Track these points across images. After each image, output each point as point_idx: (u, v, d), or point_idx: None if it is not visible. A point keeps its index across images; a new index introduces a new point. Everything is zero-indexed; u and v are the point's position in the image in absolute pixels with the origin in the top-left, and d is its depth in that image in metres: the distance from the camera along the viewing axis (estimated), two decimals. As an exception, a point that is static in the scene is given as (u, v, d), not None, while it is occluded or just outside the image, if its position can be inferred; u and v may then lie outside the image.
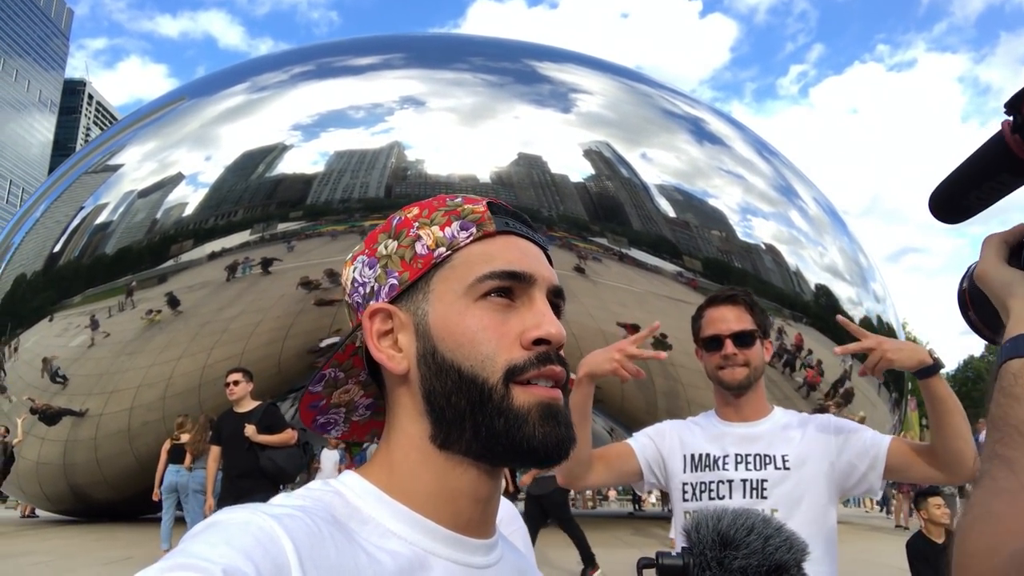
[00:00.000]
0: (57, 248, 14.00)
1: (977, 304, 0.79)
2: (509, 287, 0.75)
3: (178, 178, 13.59)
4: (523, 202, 13.13)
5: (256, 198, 13.24)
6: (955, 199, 0.72)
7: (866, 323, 14.71)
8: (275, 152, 13.38)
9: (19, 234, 15.18)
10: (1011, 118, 0.63)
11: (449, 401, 0.72)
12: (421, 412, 0.74)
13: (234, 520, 0.58)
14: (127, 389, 12.66)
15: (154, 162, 13.98)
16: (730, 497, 1.98)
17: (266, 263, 12.63)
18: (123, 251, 13.56)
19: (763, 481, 1.99)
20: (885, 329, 14.71)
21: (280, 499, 0.68)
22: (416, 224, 0.78)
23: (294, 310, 12.56)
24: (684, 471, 2.07)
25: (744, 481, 2.00)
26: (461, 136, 13.72)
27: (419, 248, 0.76)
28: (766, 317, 2.15)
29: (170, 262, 13.10)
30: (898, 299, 18.21)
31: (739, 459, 2.04)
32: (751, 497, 1.97)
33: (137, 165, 14.12)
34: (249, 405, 6.16)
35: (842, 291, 15.27)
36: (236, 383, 6.16)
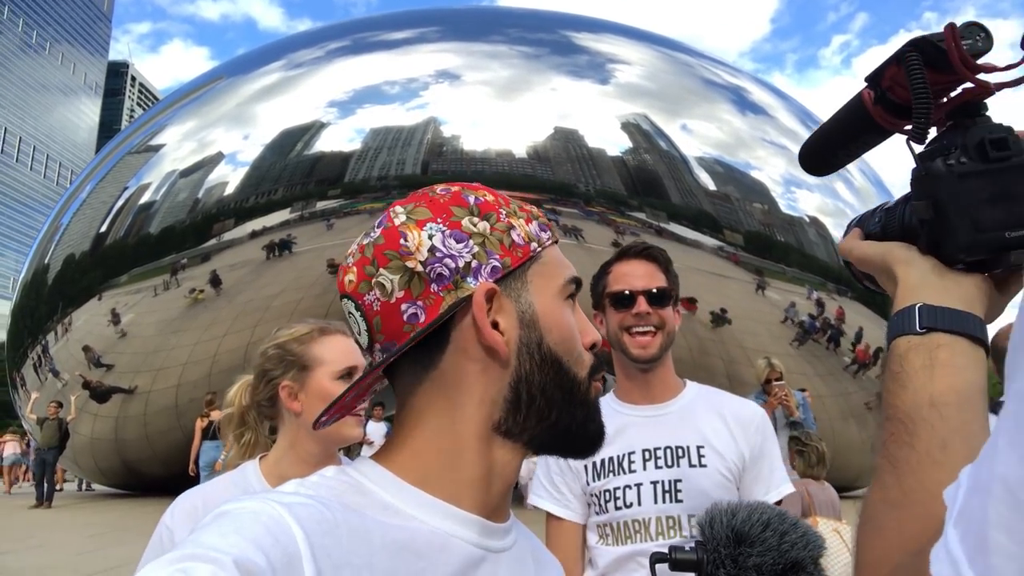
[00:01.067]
0: (103, 228, 14.30)
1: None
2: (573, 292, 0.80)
3: (218, 157, 13.76)
4: (560, 177, 13.02)
5: (295, 176, 13.34)
6: (823, 156, 0.77)
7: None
8: (312, 130, 13.44)
9: (67, 215, 15.55)
10: (871, 90, 0.69)
11: (543, 391, 0.73)
12: (496, 399, 0.72)
13: (245, 509, 0.58)
14: (174, 367, 12.95)
15: (194, 141, 14.16)
16: (639, 504, 1.71)
17: (304, 242, 12.74)
18: (166, 231, 13.82)
19: (676, 481, 1.72)
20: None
21: (292, 486, 0.67)
22: (503, 212, 0.76)
23: (334, 288, 12.63)
24: (589, 481, 1.78)
25: (655, 484, 1.72)
26: (497, 110, 13.60)
27: (516, 237, 0.76)
28: (678, 283, 1.86)
29: (212, 241, 13.32)
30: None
31: (647, 455, 1.75)
32: (664, 501, 1.71)
33: (177, 145, 14.33)
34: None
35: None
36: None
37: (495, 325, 0.72)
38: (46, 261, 15.00)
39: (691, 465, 1.72)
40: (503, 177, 13.13)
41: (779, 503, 1.78)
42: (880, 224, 0.76)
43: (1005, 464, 0.39)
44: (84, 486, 18.05)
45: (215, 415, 9.42)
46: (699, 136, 13.90)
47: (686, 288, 10.84)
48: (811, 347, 13.13)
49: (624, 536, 1.70)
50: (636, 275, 1.80)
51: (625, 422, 1.79)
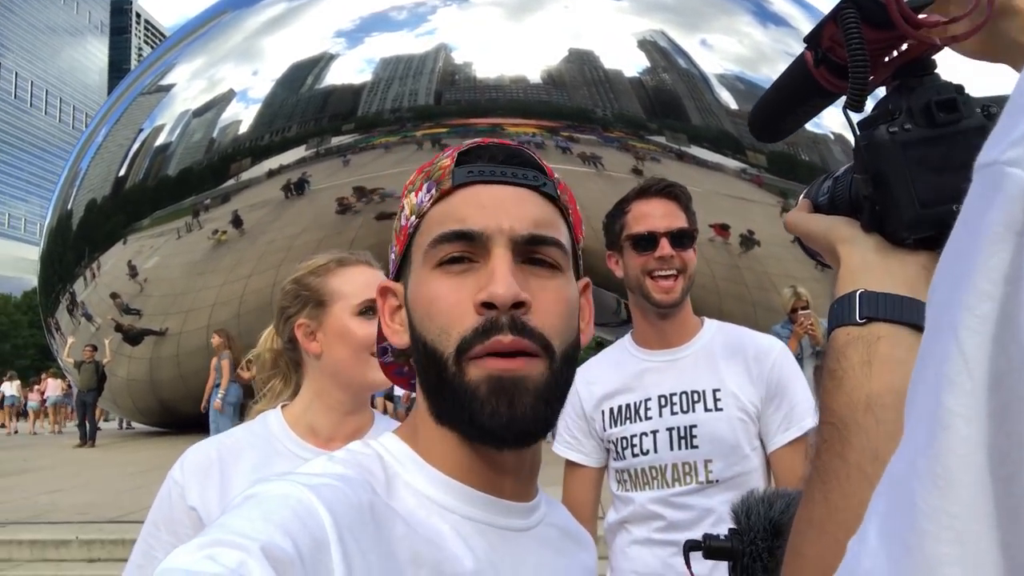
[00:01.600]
0: (122, 172, 14.33)
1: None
2: (464, 250, 0.68)
3: (229, 95, 13.62)
4: (576, 102, 12.74)
5: (307, 112, 13.20)
6: (770, 123, 0.73)
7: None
8: (321, 62, 13.22)
9: (85, 159, 15.56)
10: (812, 51, 0.63)
11: (425, 376, 0.69)
12: (421, 385, 0.72)
13: (273, 493, 0.58)
14: (203, 308, 13.14)
15: (204, 80, 14.00)
16: (655, 451, 1.70)
17: (321, 179, 12.68)
18: (185, 172, 13.82)
19: (691, 427, 1.70)
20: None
21: (321, 464, 0.66)
22: (406, 192, 0.75)
23: (355, 224, 12.67)
24: (606, 428, 1.78)
25: (671, 430, 1.70)
26: (508, 32, 13.23)
27: (402, 219, 0.75)
28: (696, 222, 1.79)
29: (231, 181, 13.31)
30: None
31: (663, 401, 1.72)
32: (680, 448, 1.69)
33: (188, 84, 14.18)
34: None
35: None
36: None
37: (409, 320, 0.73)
38: (69, 207, 15.10)
39: (707, 410, 1.70)
40: (518, 105, 12.88)
41: (801, 438, 1.74)
42: (828, 195, 0.68)
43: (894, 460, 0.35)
44: (124, 425, 18.65)
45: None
46: (719, 51, 13.45)
47: (710, 214, 10.75)
48: (816, 274, 12.99)
49: (642, 482, 1.72)
50: (657, 215, 1.71)
51: (642, 367, 1.77)
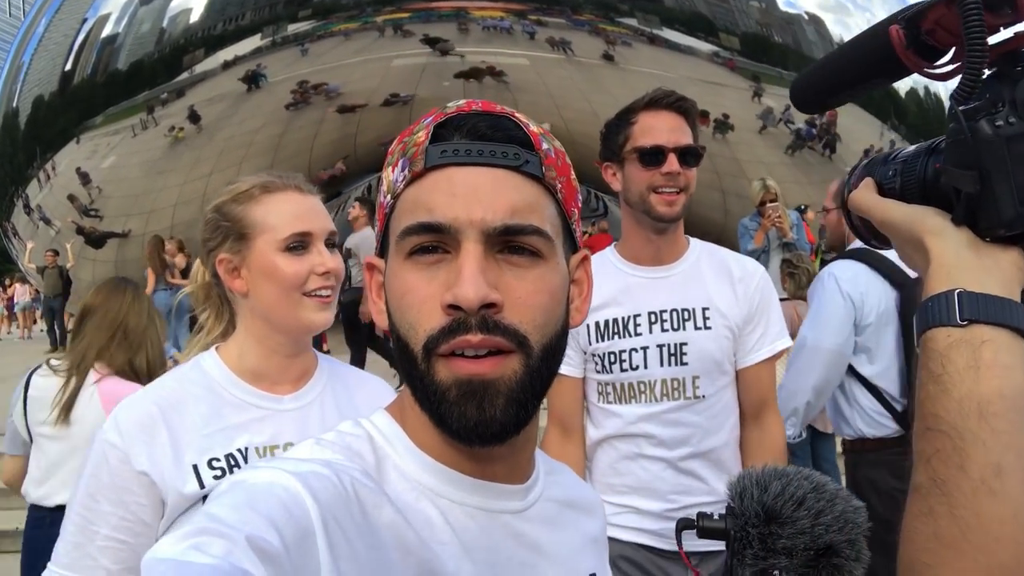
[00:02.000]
0: (68, 66, 13.59)
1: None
2: (434, 241, 0.64)
3: (176, -21, 12.81)
4: (545, -17, 12.18)
5: (261, -2, 12.49)
6: (825, 97, 0.70)
7: (913, 97, 13.94)
8: (275, -56, 12.40)
9: (27, 52, 14.72)
10: (905, 31, 0.60)
11: (401, 364, 0.67)
12: (400, 370, 0.71)
13: (260, 480, 0.57)
14: (165, 208, 12.82)
15: (148, -36, 13.11)
16: (645, 367, 1.71)
17: (279, 70, 12.16)
18: (135, 65, 13.14)
19: (682, 344, 1.71)
20: (933, 103, 13.91)
21: (308, 448, 0.66)
22: (386, 163, 0.71)
23: (315, 118, 12.27)
24: (592, 341, 1.75)
25: (661, 347, 1.71)
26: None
27: (380, 196, 0.71)
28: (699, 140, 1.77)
29: (185, 75, 12.71)
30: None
31: (653, 318, 1.72)
32: (670, 364, 1.71)
33: (131, -31, 13.27)
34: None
35: (889, 60, 14.33)
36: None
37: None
38: (15, 104, 14.38)
39: (696, 328, 1.71)
40: (484, -13, 12.29)
41: (776, 356, 1.82)
42: (898, 179, 0.65)
43: None
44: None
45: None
46: (692, -72, 12.86)
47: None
48: (806, 154, 12.95)
49: (628, 396, 1.73)
50: (667, 129, 1.67)
51: (630, 283, 1.75)
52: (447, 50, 11.89)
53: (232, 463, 1.20)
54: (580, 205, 0.74)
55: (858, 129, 13.28)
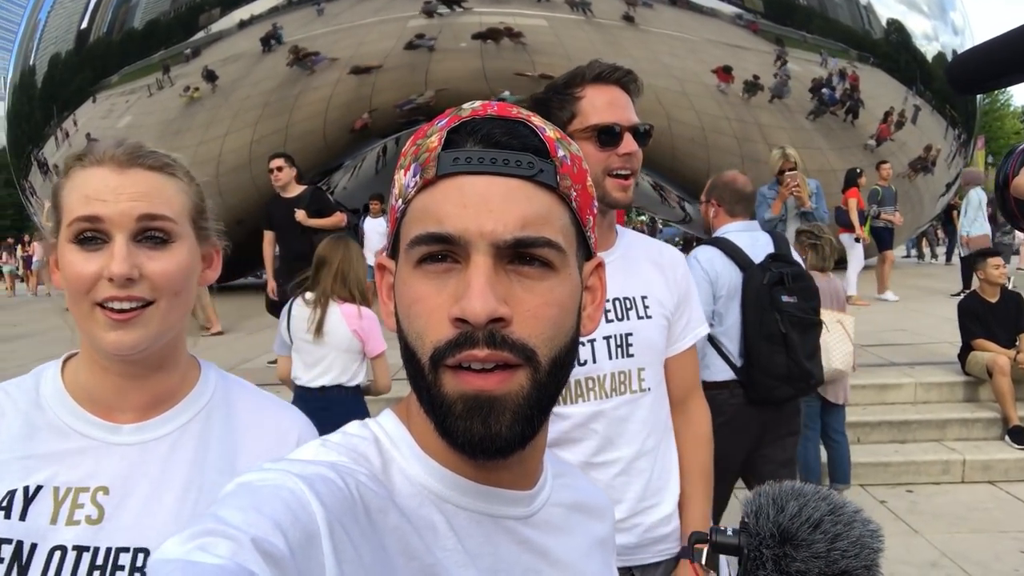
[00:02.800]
0: (84, 24, 13.53)
1: None
2: (444, 251, 0.63)
3: (192, -63, 12.64)
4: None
5: (277, -45, 12.31)
6: (987, 81, 0.67)
7: (941, 62, 13.61)
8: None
9: (43, 10, 14.66)
10: None
11: (408, 370, 0.66)
12: (407, 375, 0.69)
13: (266, 482, 0.57)
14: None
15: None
16: (593, 361, 1.60)
17: (294, 30, 12.03)
18: (151, 24, 13.06)
19: (628, 335, 1.62)
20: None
21: (313, 450, 0.66)
22: (399, 164, 0.69)
23: (331, 79, 12.17)
24: None
25: (607, 338, 1.61)
26: None
27: (392, 198, 0.70)
28: None
29: (200, 34, 12.62)
30: (980, 28, 16.58)
31: None
32: (618, 356, 1.61)
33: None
34: (296, 190, 6.17)
35: (916, 25, 13.96)
36: (280, 169, 6.12)
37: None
38: (31, 62, 14.36)
39: (639, 317, 1.64)
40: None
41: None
42: None
43: None
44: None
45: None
46: None
47: (701, 63, 10.37)
48: (828, 120, 12.73)
49: (575, 395, 1.61)
50: (619, 106, 1.55)
51: None
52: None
53: (5, 505, 0.91)
54: (596, 212, 0.73)
55: (882, 94, 13.02)
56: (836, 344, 4.41)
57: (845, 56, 12.71)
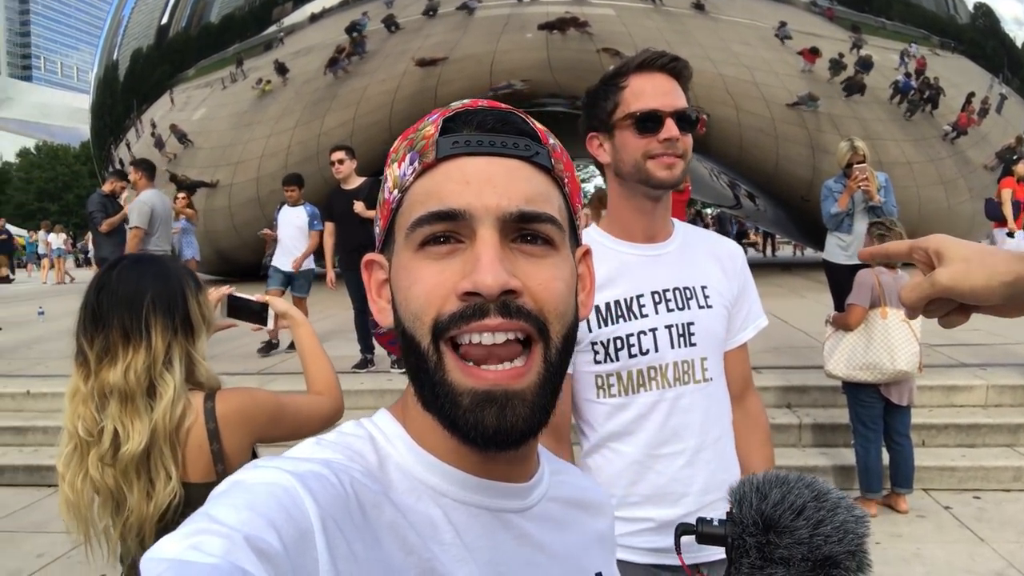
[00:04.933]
0: (164, 20, 14.05)
1: None
2: (448, 230, 0.63)
3: (268, -67, 12.96)
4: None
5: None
6: None
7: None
8: None
9: (127, 7, 15.28)
10: None
11: (407, 361, 0.65)
12: (405, 368, 0.68)
13: (259, 481, 0.57)
14: (251, 159, 13.20)
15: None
16: (656, 350, 1.57)
17: (355, 27, 12.21)
18: (227, 19, 13.48)
19: (690, 324, 1.60)
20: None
21: (308, 448, 0.65)
22: (389, 161, 0.70)
23: (397, 72, 12.31)
24: (591, 328, 1.58)
25: (669, 328, 1.58)
26: None
27: (385, 192, 0.70)
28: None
29: (273, 28, 12.95)
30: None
31: (657, 298, 1.59)
32: (680, 346, 1.58)
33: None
34: (355, 182, 6.30)
35: (1006, 8, 13.29)
36: (340, 161, 6.27)
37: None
38: (115, 57, 15.00)
39: (700, 306, 1.62)
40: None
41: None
42: None
43: None
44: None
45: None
46: None
47: (774, 52, 10.03)
48: (904, 110, 12.22)
49: (637, 384, 1.59)
50: (660, 92, 1.53)
51: (626, 261, 1.62)
52: None
53: None
54: (582, 202, 0.74)
55: (964, 82, 12.43)
56: (902, 344, 4.25)
57: (926, 43, 12.19)
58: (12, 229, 25.64)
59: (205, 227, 14.02)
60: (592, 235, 1.67)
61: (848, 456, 4.83)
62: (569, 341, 0.65)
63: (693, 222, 20.76)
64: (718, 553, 1.62)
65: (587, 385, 1.62)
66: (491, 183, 0.63)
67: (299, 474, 0.57)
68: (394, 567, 0.59)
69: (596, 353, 1.59)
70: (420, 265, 0.63)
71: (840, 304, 4.59)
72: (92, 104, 16.08)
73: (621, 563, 1.41)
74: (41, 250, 23.52)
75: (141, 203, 6.99)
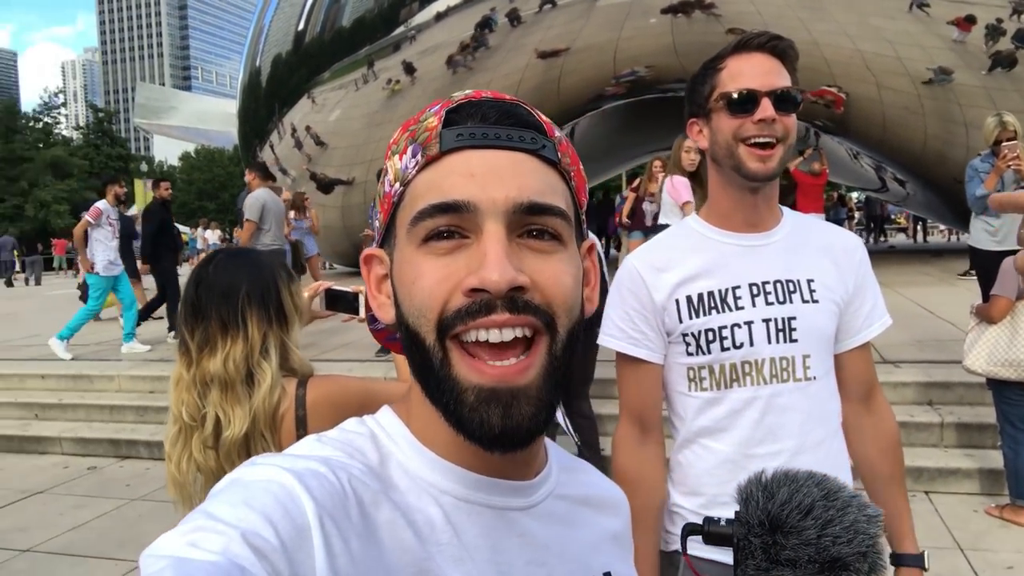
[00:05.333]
0: (301, 26, 14.80)
1: None
2: (452, 224, 0.61)
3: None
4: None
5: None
6: None
7: None
8: None
9: (268, 15, 16.21)
10: None
11: (411, 357, 0.65)
12: (409, 363, 0.67)
13: (257, 478, 0.57)
14: (382, 158, 13.63)
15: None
16: (751, 344, 1.49)
17: (487, 23, 12.36)
18: (358, 22, 14.03)
19: (791, 319, 1.49)
20: None
21: (307, 445, 0.65)
22: (389, 153, 0.68)
23: (520, 65, 12.39)
24: (683, 319, 1.52)
25: (767, 321, 1.49)
26: None
27: (386, 185, 0.68)
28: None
29: (401, 28, 13.36)
30: None
31: (755, 290, 1.50)
32: (778, 341, 1.49)
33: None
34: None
35: None
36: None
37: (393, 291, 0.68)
38: (257, 63, 15.98)
39: (804, 301, 1.51)
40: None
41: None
42: None
43: None
44: (327, 266, 20.51)
45: None
46: None
47: (921, 25, 9.30)
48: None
49: (730, 379, 1.52)
50: (758, 72, 1.45)
51: (723, 251, 1.55)
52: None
53: None
54: (587, 196, 0.72)
55: None
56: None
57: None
58: (178, 227, 27.88)
59: (343, 222, 14.74)
60: (691, 224, 1.62)
61: (996, 458, 4.43)
62: (573, 336, 0.64)
63: (835, 208, 19.51)
64: None
65: (679, 377, 1.57)
66: (497, 175, 0.61)
67: (297, 471, 0.58)
68: (391, 566, 0.59)
69: (688, 345, 1.53)
70: (423, 260, 0.62)
71: (988, 294, 4.22)
72: (239, 109, 17.21)
73: (710, 562, 1.38)
74: (199, 245, 25.47)
75: (254, 199, 7.76)
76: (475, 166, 0.62)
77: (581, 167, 0.71)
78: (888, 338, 6.73)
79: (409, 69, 13.19)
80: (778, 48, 1.47)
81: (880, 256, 17.04)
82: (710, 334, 1.51)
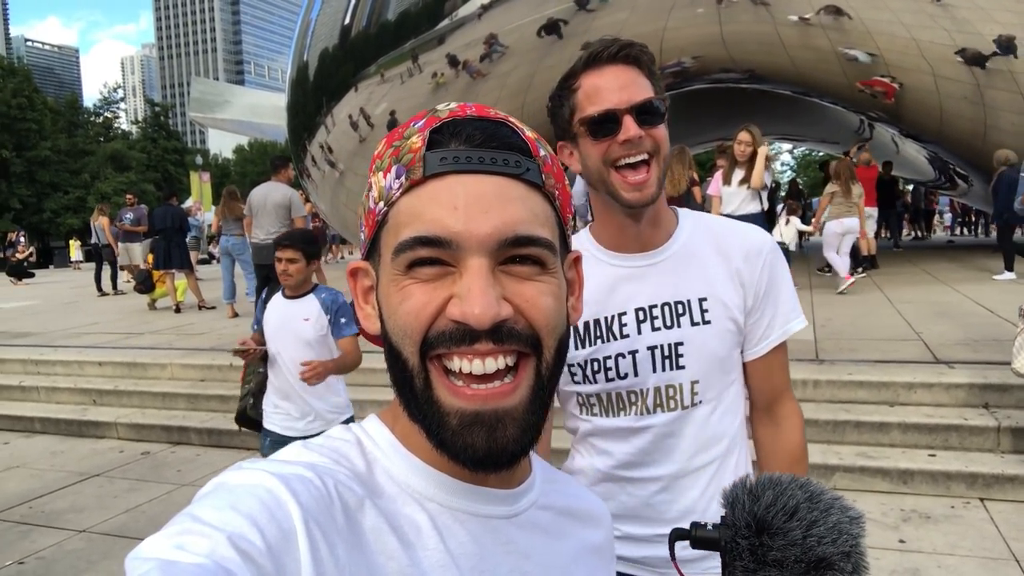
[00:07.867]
0: (347, 20, 14.93)
1: None
2: (435, 256, 0.62)
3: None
4: None
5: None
6: None
7: None
8: None
9: (314, 10, 16.39)
10: None
11: (392, 373, 0.66)
12: (391, 378, 0.68)
13: (242, 482, 0.58)
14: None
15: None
16: (635, 374, 1.44)
17: (528, 11, 12.30)
18: (402, 15, 14.08)
19: (677, 345, 1.43)
20: None
21: (294, 451, 0.66)
22: (373, 168, 0.68)
23: (564, 57, 12.31)
24: (572, 348, 1.46)
25: (652, 349, 1.43)
26: None
27: (370, 201, 0.68)
28: (663, 88, 1.41)
29: (445, 22, 13.38)
30: None
31: (641, 315, 1.44)
32: (664, 369, 1.43)
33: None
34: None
35: None
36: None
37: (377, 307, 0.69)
38: (305, 58, 16.16)
39: (694, 323, 1.44)
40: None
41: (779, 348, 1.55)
42: None
43: None
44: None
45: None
46: None
47: (982, 15, 9.03)
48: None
49: (617, 408, 1.48)
50: (614, 87, 1.36)
51: (612, 274, 1.48)
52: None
53: None
54: (572, 210, 0.73)
55: None
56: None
57: None
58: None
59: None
60: (583, 243, 1.54)
61: (1056, 465, 4.28)
62: (561, 353, 0.66)
63: (895, 200, 18.70)
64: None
65: (571, 402, 1.57)
66: (481, 207, 0.62)
67: (283, 476, 0.58)
68: (376, 570, 0.60)
69: (574, 375, 1.50)
70: (408, 284, 0.63)
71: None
72: (287, 103, 17.46)
73: None
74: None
75: (249, 195, 8.93)
76: (459, 196, 0.62)
77: (566, 182, 0.71)
78: (941, 337, 6.52)
79: (453, 62, 13.21)
80: (631, 56, 1.39)
81: (936, 251, 16.53)
82: (595, 364, 1.47)
